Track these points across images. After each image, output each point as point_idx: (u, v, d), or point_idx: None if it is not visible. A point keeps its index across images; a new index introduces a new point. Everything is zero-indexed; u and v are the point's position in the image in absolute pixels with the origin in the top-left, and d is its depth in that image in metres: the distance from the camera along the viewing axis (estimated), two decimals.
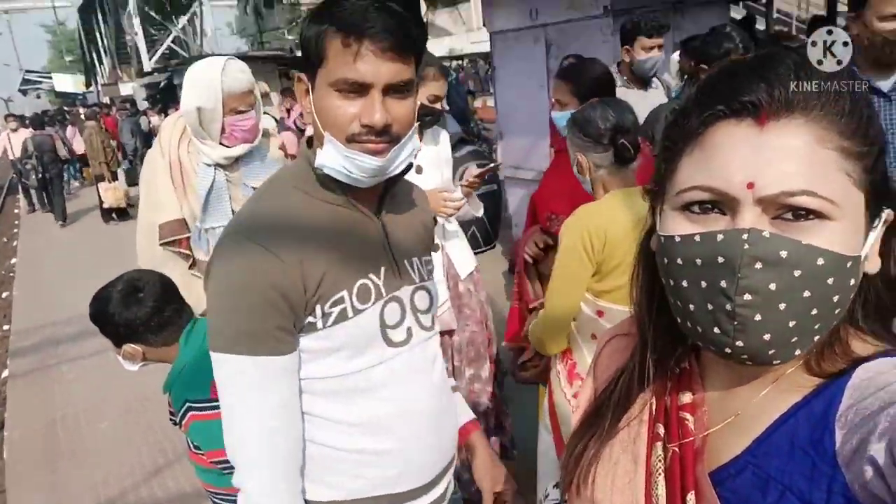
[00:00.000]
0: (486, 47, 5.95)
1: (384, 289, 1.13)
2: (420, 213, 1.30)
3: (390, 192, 1.18)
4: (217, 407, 1.54)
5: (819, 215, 0.54)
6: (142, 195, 2.27)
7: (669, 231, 0.60)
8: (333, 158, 1.03)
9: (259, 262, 1.02)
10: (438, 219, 2.38)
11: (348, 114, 1.01)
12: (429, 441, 1.21)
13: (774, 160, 0.54)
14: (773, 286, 0.53)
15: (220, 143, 2.12)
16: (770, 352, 0.56)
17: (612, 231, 1.65)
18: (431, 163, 2.43)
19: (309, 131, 1.21)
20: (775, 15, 14.98)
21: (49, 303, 6.51)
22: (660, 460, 0.65)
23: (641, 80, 3.29)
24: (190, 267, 2.20)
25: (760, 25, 11.50)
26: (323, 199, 1.11)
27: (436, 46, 23.46)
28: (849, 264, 0.54)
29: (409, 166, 1.15)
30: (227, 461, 1.13)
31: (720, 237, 0.55)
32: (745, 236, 0.54)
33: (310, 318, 1.07)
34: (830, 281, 0.54)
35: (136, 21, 23.57)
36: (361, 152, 1.02)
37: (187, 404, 1.56)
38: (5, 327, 6.38)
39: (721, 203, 0.57)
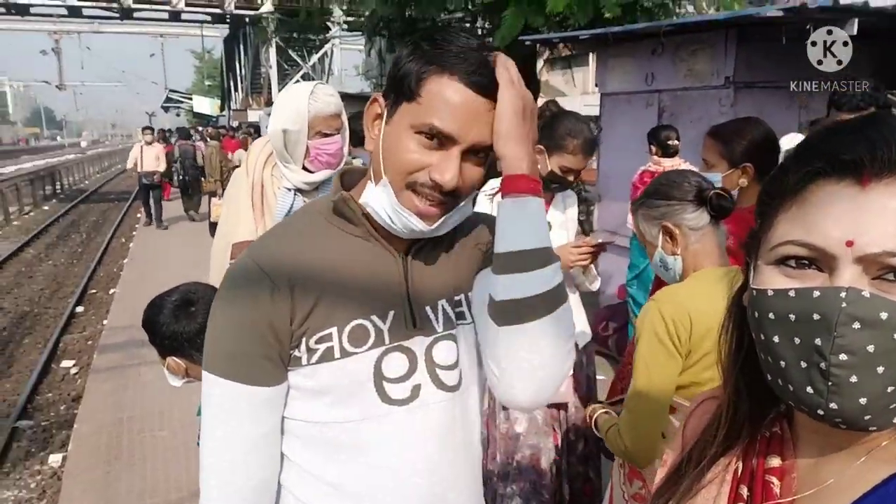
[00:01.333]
0: (597, 110, 5.85)
1: (388, 336, 0.99)
2: (479, 241, 1.09)
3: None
4: None
5: None
6: (222, 212, 2.29)
7: (763, 285, 0.59)
8: (379, 202, 0.95)
9: (251, 283, 0.96)
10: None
11: (420, 162, 0.91)
12: None
13: (876, 220, 0.53)
14: (871, 348, 0.52)
15: (304, 168, 2.10)
16: (866, 417, 0.54)
17: (697, 317, 1.42)
18: (559, 223, 2.39)
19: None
20: None
21: (145, 304, 6.83)
22: None
23: None
24: None
25: None
26: (340, 228, 1.01)
27: None
28: None
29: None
30: None
31: (817, 294, 0.54)
32: (843, 294, 0.53)
33: (295, 352, 0.96)
34: None
35: (273, 55, 25.38)
36: (411, 212, 0.93)
37: None
38: (104, 322, 6.75)
39: (818, 260, 0.56)
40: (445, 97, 0.89)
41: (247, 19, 26.30)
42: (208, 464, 0.99)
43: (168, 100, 44.63)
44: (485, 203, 2.32)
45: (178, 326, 1.55)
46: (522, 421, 2.31)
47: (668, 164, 4.29)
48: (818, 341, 0.53)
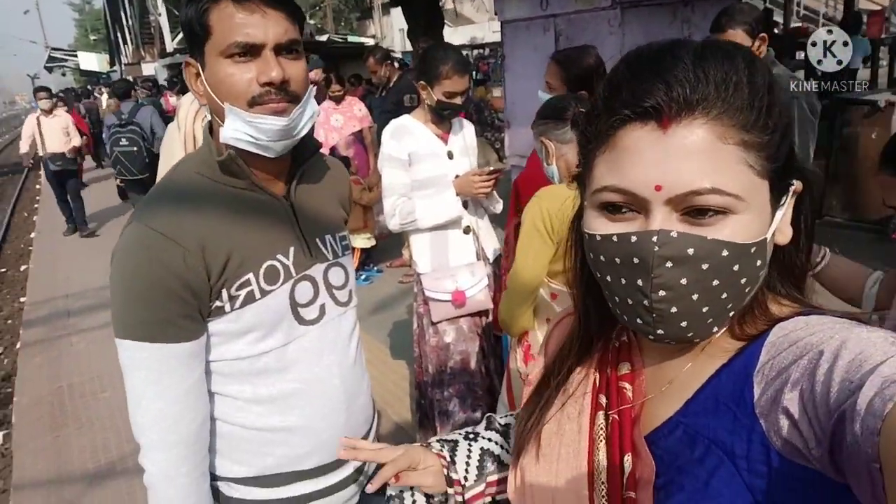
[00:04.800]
0: None
1: (294, 268, 1.15)
2: (336, 189, 1.30)
3: (301, 171, 1.18)
4: None
5: (724, 211, 0.56)
6: (160, 165, 2.47)
7: (591, 229, 0.63)
8: (237, 128, 1.02)
9: (158, 251, 1.01)
10: (470, 204, 2.53)
11: (245, 78, 1.00)
12: (338, 419, 1.23)
13: (680, 163, 0.56)
14: (684, 280, 0.58)
15: None
16: (689, 335, 0.61)
17: (568, 212, 1.69)
18: (460, 150, 2.53)
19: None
20: (802, 12, 14.76)
21: (63, 276, 6.68)
22: (601, 428, 0.69)
23: None
24: None
25: (778, 18, 11.33)
26: (225, 184, 1.10)
27: (459, 35, 23.39)
28: (753, 250, 0.58)
29: (316, 145, 1.19)
30: None
31: (634, 239, 0.59)
32: (654, 238, 0.57)
33: (217, 303, 1.06)
34: (736, 268, 0.58)
35: (160, 2, 23.79)
36: (265, 114, 1.02)
37: None
38: (21, 299, 6.55)
39: (633, 204, 0.59)
40: (230, 15, 0.99)
41: None
42: (150, 419, 1.05)
43: (51, 59, 41.23)
44: (389, 142, 2.47)
45: None
46: (450, 332, 2.55)
47: None
48: (640, 282, 0.59)
